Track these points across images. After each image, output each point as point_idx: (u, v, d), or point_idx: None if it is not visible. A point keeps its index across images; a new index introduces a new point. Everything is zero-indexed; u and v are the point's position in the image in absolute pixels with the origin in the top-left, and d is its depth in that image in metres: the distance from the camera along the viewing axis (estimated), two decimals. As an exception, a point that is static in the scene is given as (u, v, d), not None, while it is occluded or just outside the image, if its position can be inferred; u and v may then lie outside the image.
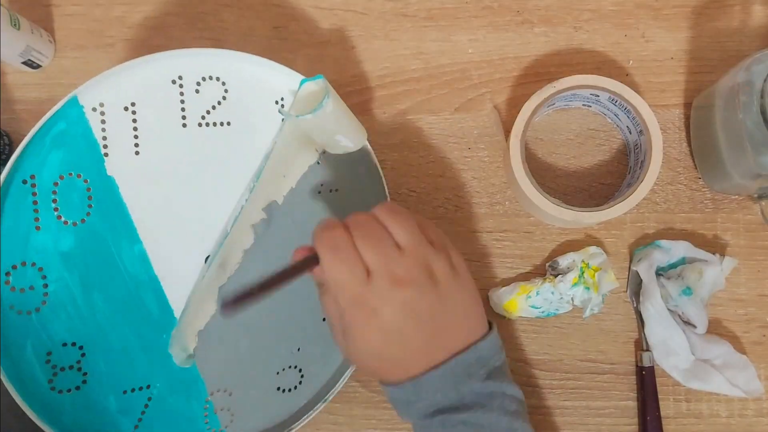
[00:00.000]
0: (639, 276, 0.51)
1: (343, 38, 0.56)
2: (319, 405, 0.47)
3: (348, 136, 0.45)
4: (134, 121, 0.44)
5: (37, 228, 0.42)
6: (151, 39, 0.57)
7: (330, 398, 0.47)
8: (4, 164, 0.56)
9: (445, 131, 0.54)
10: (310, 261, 0.37)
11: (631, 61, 0.54)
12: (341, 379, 0.47)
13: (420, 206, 0.54)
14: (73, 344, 0.43)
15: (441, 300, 0.38)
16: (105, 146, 0.43)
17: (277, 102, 0.46)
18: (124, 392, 0.45)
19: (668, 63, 0.54)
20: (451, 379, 0.38)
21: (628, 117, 0.49)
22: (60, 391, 0.43)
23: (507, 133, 0.53)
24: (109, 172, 0.43)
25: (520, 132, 0.48)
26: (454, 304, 0.39)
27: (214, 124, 0.45)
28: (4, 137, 0.56)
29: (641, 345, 0.52)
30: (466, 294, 0.40)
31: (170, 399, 0.46)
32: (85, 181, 0.43)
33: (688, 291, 0.50)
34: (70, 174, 0.43)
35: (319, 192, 0.48)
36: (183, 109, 0.44)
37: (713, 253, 0.51)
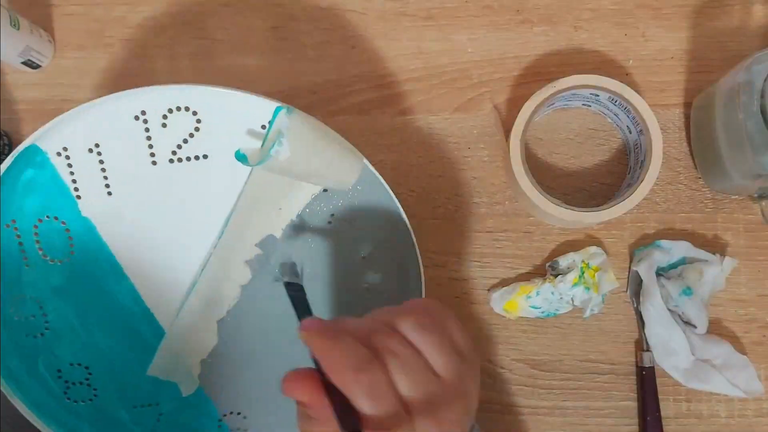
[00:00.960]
0: (639, 276, 0.51)
1: (343, 38, 0.56)
2: None
3: (327, 177, 0.40)
4: (101, 162, 0.42)
5: (26, 265, 0.43)
6: (151, 39, 0.57)
7: None
8: (4, 164, 0.56)
9: (445, 131, 0.54)
10: (344, 418, 0.30)
11: (631, 61, 0.54)
12: None
13: (420, 206, 0.54)
14: (79, 364, 0.45)
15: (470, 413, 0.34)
16: (76, 189, 0.42)
17: (264, 127, 0.41)
18: (134, 407, 0.46)
19: (668, 63, 0.54)
20: None
21: (628, 117, 0.49)
22: (75, 401, 0.45)
23: (507, 132, 0.53)
24: (84, 214, 0.43)
25: (520, 132, 0.48)
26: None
27: (188, 158, 0.41)
28: (4, 137, 0.56)
29: (641, 345, 0.52)
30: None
31: (181, 416, 0.47)
32: (63, 222, 0.43)
33: (688, 291, 0.50)
34: (47, 217, 0.42)
35: (329, 222, 0.45)
36: (151, 146, 0.41)
37: (713, 253, 0.51)
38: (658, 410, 0.50)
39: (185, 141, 0.41)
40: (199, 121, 0.40)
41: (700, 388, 0.50)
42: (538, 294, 0.50)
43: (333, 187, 0.42)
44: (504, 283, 0.53)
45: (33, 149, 0.40)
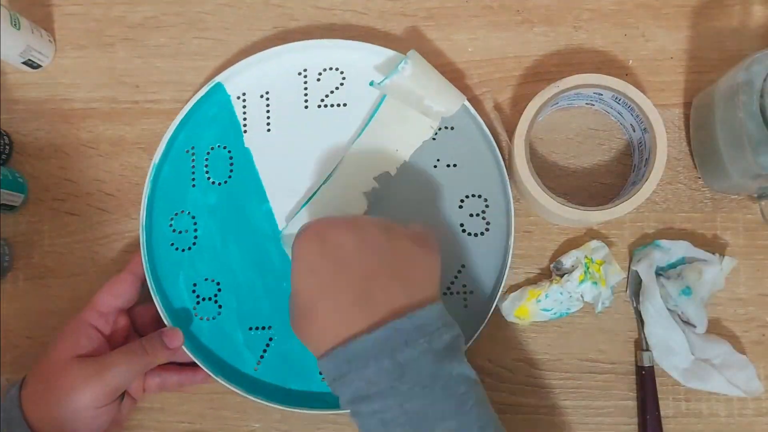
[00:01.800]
0: (639, 276, 0.51)
1: (343, 38, 0.56)
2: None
3: (436, 101, 0.51)
4: (267, 106, 0.54)
5: (193, 185, 0.54)
6: (151, 39, 0.57)
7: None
8: (5, 164, 0.56)
9: (446, 131, 0.54)
10: None
11: (631, 61, 0.54)
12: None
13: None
14: (212, 280, 0.53)
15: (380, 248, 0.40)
16: (245, 125, 0.54)
17: None
18: (249, 329, 0.53)
19: (668, 62, 0.54)
20: (386, 344, 0.36)
21: (632, 115, 0.49)
22: (201, 318, 0.53)
23: (508, 132, 0.53)
24: (246, 145, 0.54)
25: (524, 132, 0.48)
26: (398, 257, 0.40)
27: (332, 105, 0.54)
28: (4, 137, 0.56)
29: (641, 345, 0.52)
30: (418, 254, 0.41)
31: (289, 342, 0.53)
32: (229, 151, 0.54)
33: (687, 291, 0.50)
34: (218, 146, 0.54)
35: (435, 166, 0.53)
36: (306, 95, 0.54)
37: (713, 253, 0.51)
38: (658, 409, 0.50)
39: (332, 92, 0.54)
40: (344, 78, 0.54)
41: (699, 388, 0.50)
42: (547, 297, 0.50)
43: (440, 110, 0.51)
44: (511, 289, 0.53)
45: (221, 91, 0.54)
